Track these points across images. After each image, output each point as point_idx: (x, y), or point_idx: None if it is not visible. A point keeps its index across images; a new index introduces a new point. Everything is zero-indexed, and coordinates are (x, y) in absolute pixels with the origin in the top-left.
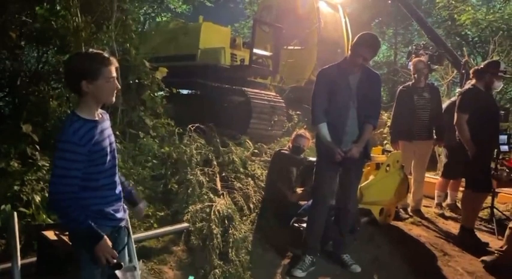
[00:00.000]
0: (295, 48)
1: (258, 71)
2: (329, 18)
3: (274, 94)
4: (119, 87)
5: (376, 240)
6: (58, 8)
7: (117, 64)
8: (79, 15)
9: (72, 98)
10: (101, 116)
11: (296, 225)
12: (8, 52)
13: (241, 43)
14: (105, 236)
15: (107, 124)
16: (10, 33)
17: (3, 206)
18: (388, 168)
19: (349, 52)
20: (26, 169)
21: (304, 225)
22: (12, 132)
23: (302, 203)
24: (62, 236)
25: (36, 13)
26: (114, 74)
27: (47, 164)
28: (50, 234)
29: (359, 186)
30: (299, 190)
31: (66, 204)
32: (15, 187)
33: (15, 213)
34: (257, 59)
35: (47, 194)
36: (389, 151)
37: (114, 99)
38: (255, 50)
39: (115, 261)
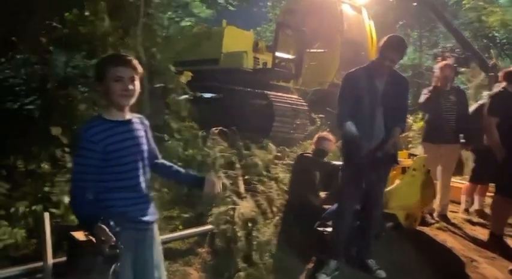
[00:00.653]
0: (318, 51)
1: (281, 74)
2: (353, 20)
3: (296, 97)
4: (133, 88)
5: (402, 245)
6: (86, 13)
7: (135, 66)
8: (106, 20)
9: (99, 101)
10: (130, 118)
11: (320, 229)
12: (38, 57)
13: (264, 46)
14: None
15: (136, 126)
16: (40, 38)
17: (34, 207)
18: (414, 172)
19: (376, 55)
20: (56, 171)
21: (329, 229)
22: (41, 135)
23: (326, 207)
24: (90, 236)
25: (66, 18)
26: (125, 74)
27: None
28: (79, 235)
29: (384, 190)
30: (323, 194)
31: (77, 200)
32: (46, 188)
33: (47, 214)
34: (280, 62)
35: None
36: (415, 155)
37: (127, 101)
38: (277, 53)
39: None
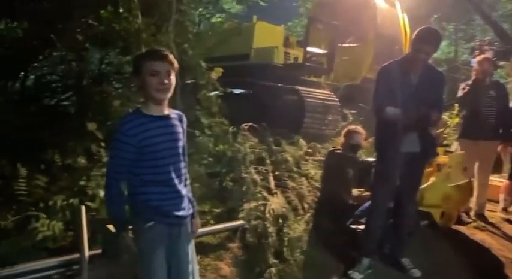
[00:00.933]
0: (351, 45)
1: (312, 69)
2: (386, 13)
3: (328, 92)
4: (169, 82)
5: (437, 244)
6: (121, 10)
7: (172, 61)
8: (140, 17)
9: (133, 97)
10: (168, 114)
11: (353, 226)
12: (74, 54)
13: (295, 41)
14: (128, 236)
15: (173, 122)
16: (76, 36)
17: (71, 200)
18: (449, 170)
19: (409, 48)
20: (91, 165)
21: (361, 227)
22: (77, 130)
23: (359, 204)
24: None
25: (101, 16)
26: (161, 68)
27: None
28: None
29: (420, 188)
30: (356, 191)
31: (109, 193)
32: (81, 182)
33: (83, 207)
34: (311, 57)
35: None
36: (452, 152)
37: (163, 95)
38: (308, 48)
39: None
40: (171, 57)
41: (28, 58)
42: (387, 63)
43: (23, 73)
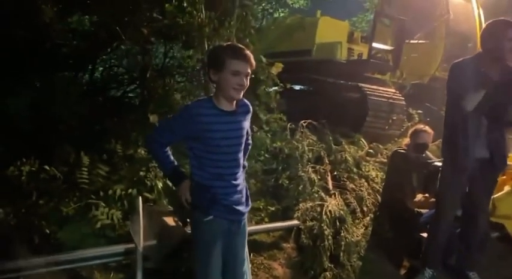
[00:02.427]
0: (420, 42)
1: (377, 66)
2: (460, 9)
3: (393, 91)
4: (247, 83)
5: (509, 258)
6: (185, 4)
7: (252, 63)
8: (203, 11)
9: (194, 91)
10: (235, 109)
11: (416, 234)
12: (140, 48)
13: (360, 37)
14: (185, 182)
15: (240, 118)
16: (142, 29)
17: (130, 190)
18: None
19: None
20: (151, 157)
21: (425, 235)
22: (140, 121)
23: (423, 211)
24: (180, 223)
25: (165, 10)
26: (243, 70)
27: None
28: (170, 221)
29: (492, 197)
30: (420, 197)
31: (152, 149)
32: (141, 173)
33: (140, 197)
34: (376, 54)
35: (168, 182)
36: None
37: (238, 95)
38: (374, 44)
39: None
40: (252, 58)
41: (97, 50)
42: (460, 59)
43: (91, 65)
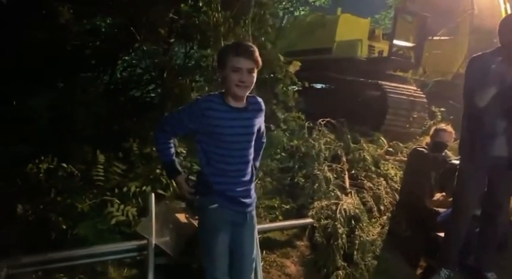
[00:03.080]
0: (442, 38)
1: (398, 63)
2: (485, 4)
3: (414, 88)
4: (250, 80)
5: None
6: (200, 4)
7: (256, 59)
8: (219, 10)
9: (212, 90)
10: (246, 106)
11: (433, 233)
12: (158, 48)
13: (381, 34)
14: (180, 177)
15: (249, 115)
16: (159, 30)
17: (144, 187)
18: None
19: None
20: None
21: (442, 234)
22: (158, 120)
23: (441, 210)
24: (191, 219)
25: (181, 10)
26: (244, 65)
27: (184, 151)
28: (182, 217)
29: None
30: (438, 195)
31: (158, 137)
32: (157, 171)
33: (153, 194)
34: (397, 51)
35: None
36: None
37: (242, 92)
38: (395, 41)
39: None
40: (256, 54)
41: (117, 52)
42: (479, 53)
43: (112, 66)
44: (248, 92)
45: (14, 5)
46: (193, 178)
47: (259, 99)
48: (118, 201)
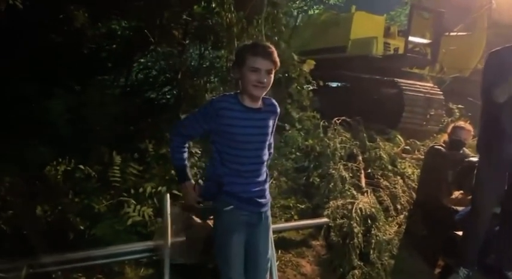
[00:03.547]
0: (460, 34)
1: (414, 60)
2: None
3: (431, 85)
4: (267, 81)
5: None
6: (213, 5)
7: (274, 59)
8: (232, 11)
9: (224, 91)
10: (260, 107)
11: (451, 232)
12: (172, 50)
13: (396, 31)
14: (188, 183)
15: (264, 116)
16: (173, 32)
17: (160, 188)
18: None
19: None
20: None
21: (460, 233)
22: (172, 121)
23: (459, 208)
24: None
25: (194, 11)
26: (262, 66)
27: (199, 152)
28: (197, 218)
29: None
30: (456, 193)
31: (173, 140)
32: (172, 171)
33: (168, 195)
34: (413, 48)
35: (199, 180)
36: None
37: (259, 93)
38: (411, 38)
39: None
40: (275, 55)
41: (133, 54)
42: (498, 48)
43: (127, 68)
44: (265, 93)
45: (31, 9)
46: (201, 183)
47: (275, 102)
48: (134, 202)
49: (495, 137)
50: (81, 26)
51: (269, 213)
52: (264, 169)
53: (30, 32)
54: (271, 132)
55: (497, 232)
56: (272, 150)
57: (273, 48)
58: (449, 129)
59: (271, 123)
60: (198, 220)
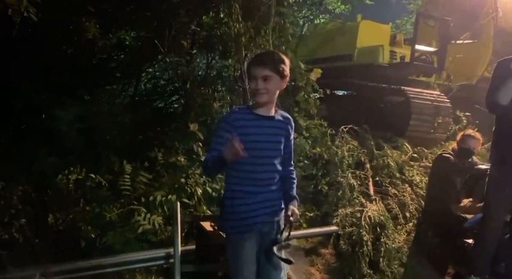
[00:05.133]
0: (466, 42)
1: (420, 68)
2: (509, 6)
3: (438, 93)
4: (263, 87)
5: None
6: (222, 15)
7: (267, 65)
8: (240, 21)
9: (232, 100)
10: (273, 115)
11: (460, 240)
12: (181, 59)
13: (402, 39)
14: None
15: (277, 124)
16: (182, 42)
17: (170, 196)
18: None
19: None
20: (191, 164)
21: (471, 241)
22: (181, 130)
23: (468, 216)
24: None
25: (203, 22)
26: (257, 73)
27: None
28: (207, 225)
29: None
30: (466, 201)
31: (207, 169)
32: (182, 180)
33: (179, 203)
34: (420, 56)
35: (208, 188)
36: None
37: (259, 99)
38: (417, 46)
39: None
40: (271, 61)
41: (141, 64)
42: (507, 56)
43: (136, 78)
44: (268, 98)
45: (44, 21)
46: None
47: (289, 116)
48: (144, 210)
49: (506, 143)
50: (92, 36)
51: (282, 222)
52: (277, 177)
53: (42, 43)
54: (289, 146)
55: (508, 240)
56: (292, 167)
57: (275, 55)
58: (458, 137)
59: (284, 132)
60: (208, 228)
